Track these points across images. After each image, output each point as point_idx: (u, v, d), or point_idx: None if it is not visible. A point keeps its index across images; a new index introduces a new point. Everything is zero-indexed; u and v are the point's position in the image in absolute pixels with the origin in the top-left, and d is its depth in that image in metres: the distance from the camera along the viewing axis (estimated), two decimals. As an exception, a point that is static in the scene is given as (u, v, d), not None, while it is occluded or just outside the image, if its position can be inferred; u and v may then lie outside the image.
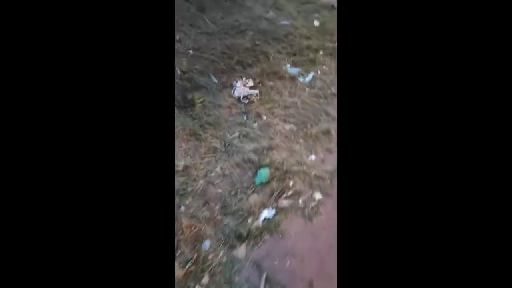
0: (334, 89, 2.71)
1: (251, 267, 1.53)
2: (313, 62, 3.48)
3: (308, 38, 4.80)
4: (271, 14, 7.11)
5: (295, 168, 1.99)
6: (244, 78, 2.88)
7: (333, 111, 2.41)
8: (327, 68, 3.30)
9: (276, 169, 1.96)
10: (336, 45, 4.51)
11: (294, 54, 3.98)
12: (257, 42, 4.06)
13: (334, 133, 2.22)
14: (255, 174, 1.99)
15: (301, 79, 3.09)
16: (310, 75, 3.11)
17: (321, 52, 3.92)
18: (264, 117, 2.40)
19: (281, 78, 3.08)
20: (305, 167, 2.01)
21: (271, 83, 2.93)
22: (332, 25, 6.08)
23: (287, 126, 2.34)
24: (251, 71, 3.11)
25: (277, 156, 2.05)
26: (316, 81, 2.94)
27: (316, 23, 6.62)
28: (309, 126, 2.33)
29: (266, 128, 2.31)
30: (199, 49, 3.47)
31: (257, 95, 2.69)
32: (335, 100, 2.53)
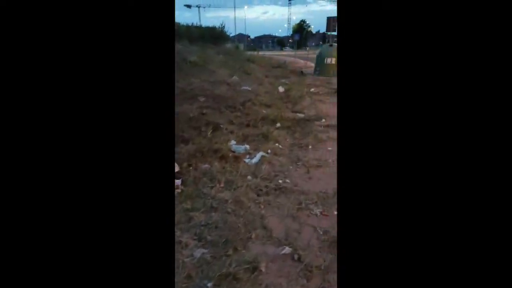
0: (281, 180, 2.07)
1: None
2: (266, 137, 2.92)
3: (267, 106, 4.43)
4: (234, 78, 6.89)
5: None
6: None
7: (273, 222, 1.62)
8: (280, 147, 2.73)
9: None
10: (297, 115, 4.14)
11: (248, 125, 3.48)
12: (204, 111, 3.54)
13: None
14: None
15: (246, 160, 2.47)
16: (258, 155, 2.51)
17: (278, 124, 3.45)
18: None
19: (222, 158, 2.44)
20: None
21: (205, 166, 2.26)
22: (296, 92, 5.95)
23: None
24: (183, 149, 2.46)
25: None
26: (263, 166, 2.32)
27: (281, 89, 6.47)
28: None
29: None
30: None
31: (178, 186, 1.97)
32: (279, 198, 1.85)
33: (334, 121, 3.66)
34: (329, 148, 2.73)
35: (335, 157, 2.53)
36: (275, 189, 1.95)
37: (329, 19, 9.18)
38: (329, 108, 4.43)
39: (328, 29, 9.40)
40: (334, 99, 5.08)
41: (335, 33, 9.50)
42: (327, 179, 2.10)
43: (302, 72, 9.50)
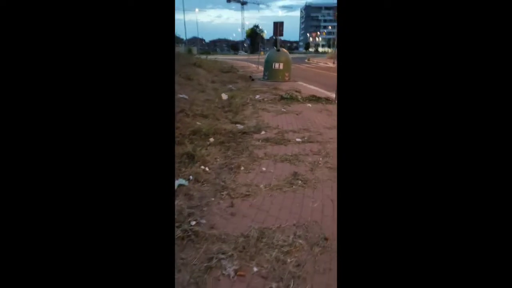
0: (194, 222, 1.61)
1: None
2: (191, 158, 2.44)
3: (204, 116, 3.96)
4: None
5: None
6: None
7: None
8: (206, 170, 2.28)
9: None
10: (236, 126, 3.74)
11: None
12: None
13: None
14: None
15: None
16: (175, 185, 2.03)
17: (210, 140, 3.01)
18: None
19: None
20: None
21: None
22: (241, 99, 5.59)
23: None
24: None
25: None
26: (176, 200, 1.85)
27: (224, 96, 6.03)
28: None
29: None
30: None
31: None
32: (185, 251, 1.40)
33: (274, 133, 3.32)
34: (263, 169, 2.35)
35: (268, 180, 2.15)
36: (182, 238, 1.48)
37: (275, 24, 9.04)
38: (271, 117, 4.11)
39: (275, 33, 9.26)
40: (278, 107, 4.79)
41: (282, 38, 9.41)
42: (253, 214, 1.70)
43: (251, 77, 9.21)
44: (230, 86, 7.13)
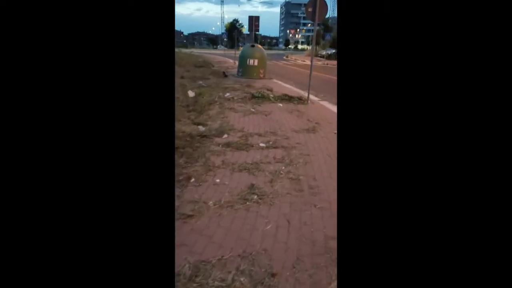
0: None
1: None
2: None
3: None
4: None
5: None
6: None
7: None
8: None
9: None
10: (198, 128, 3.43)
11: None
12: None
13: None
14: None
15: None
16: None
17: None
18: None
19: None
20: None
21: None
22: (209, 97, 5.27)
23: None
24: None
25: None
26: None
27: (191, 94, 5.66)
28: None
29: None
30: None
31: None
32: None
33: (238, 136, 3.05)
34: (217, 181, 2.08)
35: (220, 195, 1.89)
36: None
37: (251, 18, 8.74)
38: (238, 118, 3.84)
39: (250, 28, 8.95)
40: (247, 106, 4.53)
41: (258, 33, 9.11)
42: (192, 242, 1.43)
43: (224, 73, 8.86)
44: (201, 82, 6.76)
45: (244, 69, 8.60)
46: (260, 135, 3.17)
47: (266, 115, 4.08)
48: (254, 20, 8.70)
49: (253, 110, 4.34)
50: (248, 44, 8.95)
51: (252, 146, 2.81)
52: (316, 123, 3.78)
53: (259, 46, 8.94)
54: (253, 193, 1.92)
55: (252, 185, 2.03)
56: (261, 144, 2.86)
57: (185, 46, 28.24)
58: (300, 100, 5.23)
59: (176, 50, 16.17)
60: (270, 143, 2.92)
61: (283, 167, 2.35)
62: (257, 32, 9.15)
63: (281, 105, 4.85)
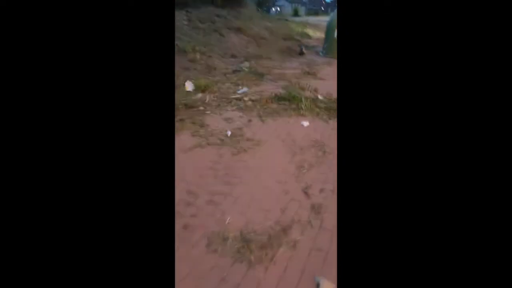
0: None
1: None
2: None
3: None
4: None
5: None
6: None
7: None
8: None
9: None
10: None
11: None
12: None
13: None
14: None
15: None
16: None
17: None
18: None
19: None
20: None
21: None
22: (209, 93, 3.45)
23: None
24: None
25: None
26: None
27: (189, 86, 3.95)
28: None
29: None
30: None
31: None
32: None
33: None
34: None
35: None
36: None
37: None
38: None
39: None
40: (234, 124, 2.57)
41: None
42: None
43: (301, 49, 6.58)
44: (242, 65, 4.97)
45: (330, 46, 6.13)
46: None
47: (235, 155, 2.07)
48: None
49: (228, 133, 2.37)
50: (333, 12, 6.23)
51: None
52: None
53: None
54: None
55: None
56: None
57: (316, 14, 25.30)
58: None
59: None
60: None
61: None
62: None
63: (307, 123, 2.61)
